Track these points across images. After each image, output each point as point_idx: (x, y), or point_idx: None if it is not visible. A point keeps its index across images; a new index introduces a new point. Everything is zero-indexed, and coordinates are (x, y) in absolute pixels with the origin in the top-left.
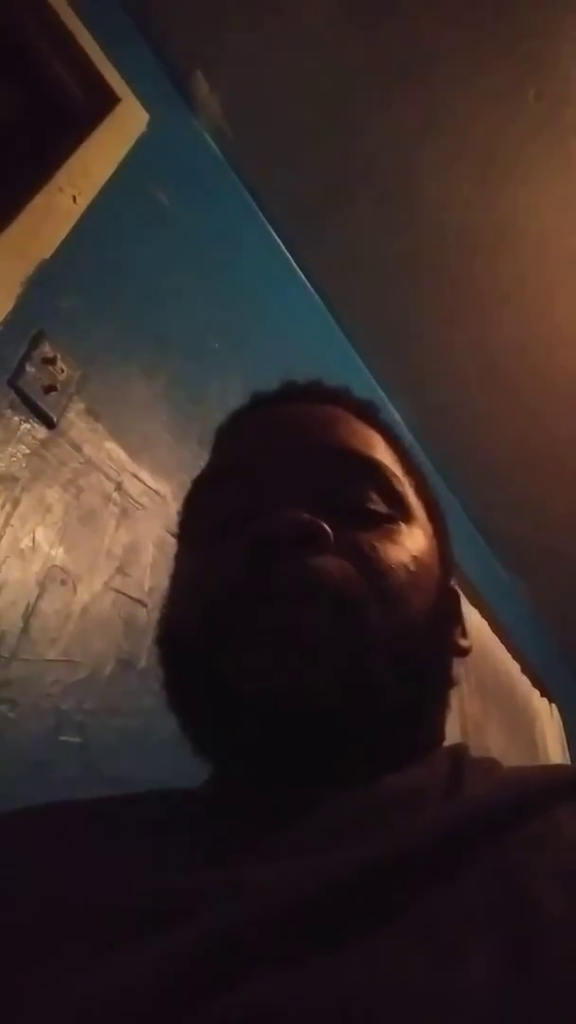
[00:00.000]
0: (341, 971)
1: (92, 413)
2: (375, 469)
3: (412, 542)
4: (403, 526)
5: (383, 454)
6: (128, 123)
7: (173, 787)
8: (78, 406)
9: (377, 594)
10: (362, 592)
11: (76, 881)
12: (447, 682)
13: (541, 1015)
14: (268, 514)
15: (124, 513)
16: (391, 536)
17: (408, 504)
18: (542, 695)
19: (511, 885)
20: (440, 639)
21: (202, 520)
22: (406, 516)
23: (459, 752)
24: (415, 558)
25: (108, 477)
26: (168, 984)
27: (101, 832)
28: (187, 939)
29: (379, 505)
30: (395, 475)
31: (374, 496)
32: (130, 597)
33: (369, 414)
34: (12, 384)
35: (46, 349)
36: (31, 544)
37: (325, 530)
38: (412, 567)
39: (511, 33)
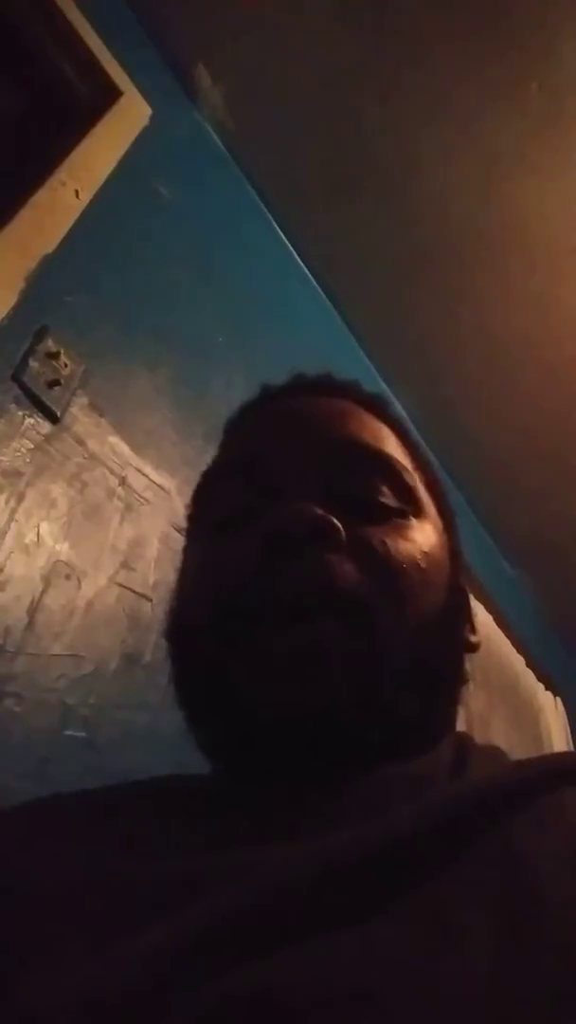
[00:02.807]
0: (342, 952)
1: (96, 408)
2: (385, 463)
3: (423, 536)
4: (414, 520)
5: (393, 448)
6: (130, 117)
7: (179, 774)
8: (82, 401)
9: (389, 593)
10: (374, 593)
11: (80, 870)
12: (458, 679)
13: (542, 995)
14: (279, 509)
15: (128, 508)
16: (402, 531)
17: (418, 498)
18: (547, 689)
19: (513, 866)
20: (452, 636)
21: (211, 514)
22: (416, 510)
23: (463, 740)
24: (426, 553)
25: (112, 472)
26: (170, 966)
27: (105, 821)
28: (189, 922)
29: (389, 499)
30: (405, 469)
31: (384, 490)
32: (135, 592)
33: (379, 408)
34: (16, 379)
35: (50, 344)
36: (36, 539)
37: (336, 526)
38: (423, 563)
39: (514, 25)
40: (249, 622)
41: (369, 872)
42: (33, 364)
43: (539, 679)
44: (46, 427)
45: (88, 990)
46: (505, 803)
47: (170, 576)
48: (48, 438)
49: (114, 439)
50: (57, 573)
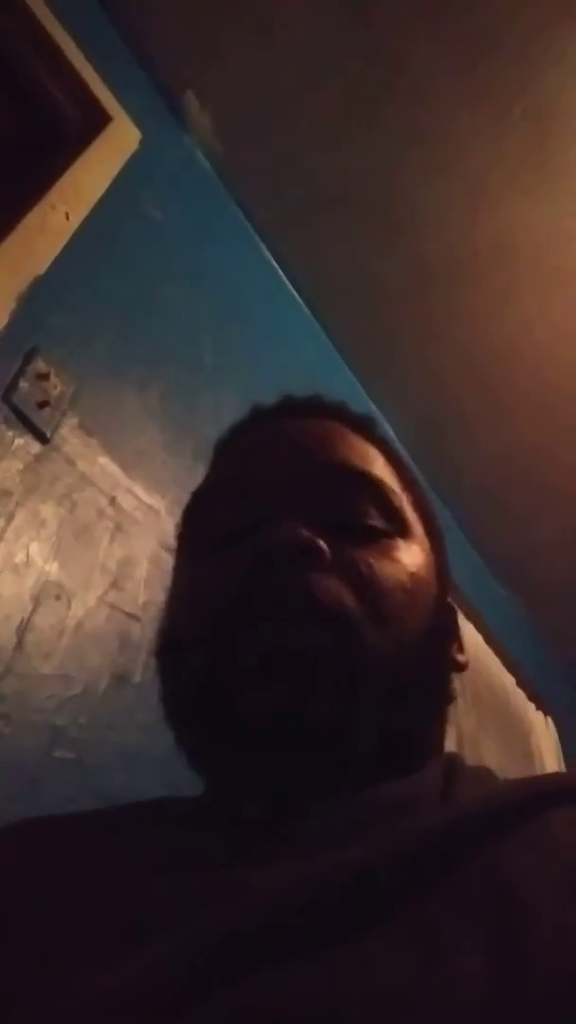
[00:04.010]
0: (334, 972)
1: (85, 428)
2: (373, 484)
3: (410, 558)
4: (401, 542)
5: (381, 469)
6: (120, 141)
7: (170, 796)
8: (71, 421)
9: (373, 613)
10: (357, 611)
11: (73, 890)
12: (445, 698)
13: (533, 1014)
14: (265, 530)
15: (118, 528)
16: (388, 552)
17: (406, 519)
18: (537, 708)
19: (503, 887)
20: (437, 655)
21: (200, 534)
22: (404, 531)
23: (453, 761)
24: (412, 574)
25: (102, 492)
26: (164, 986)
27: (97, 842)
28: (182, 943)
29: (377, 520)
30: (393, 490)
31: (372, 511)
32: (124, 612)
33: (367, 429)
34: (6, 399)
35: (39, 365)
36: (25, 559)
37: (321, 547)
38: (409, 584)
39: (498, 51)
40: (232, 632)
41: (360, 892)
42: (23, 385)
43: (530, 699)
44: (36, 447)
45: (87, 1008)
46: (495, 825)
47: (160, 596)
48: (38, 458)
49: (104, 459)
50: (47, 593)
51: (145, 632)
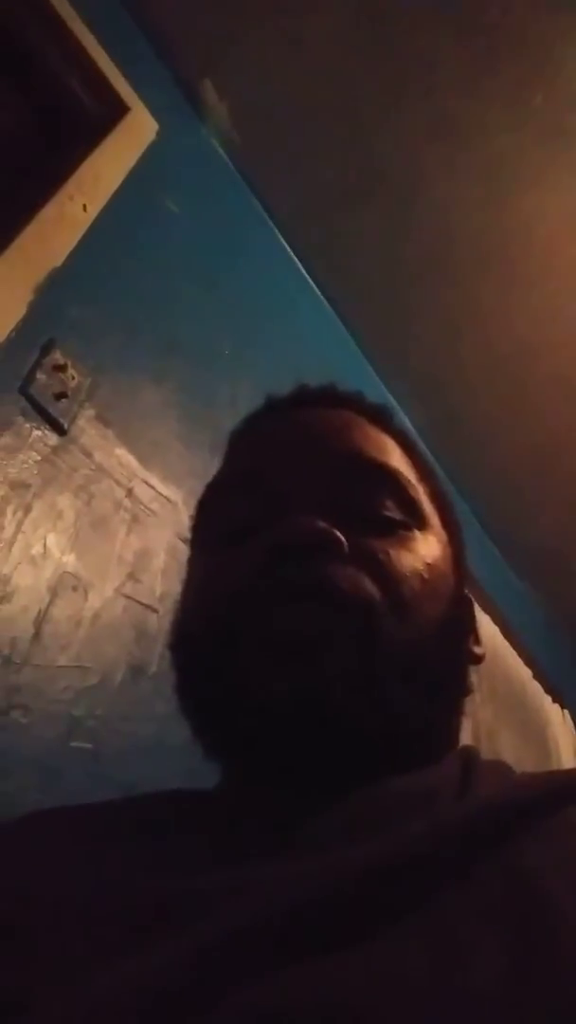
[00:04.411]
0: (348, 970)
1: (102, 420)
2: (389, 476)
3: (427, 549)
4: (417, 533)
5: (397, 460)
6: (138, 132)
7: (184, 788)
8: (88, 413)
9: (391, 602)
10: (375, 599)
11: (87, 882)
12: (461, 689)
13: (550, 1015)
14: (282, 521)
15: (135, 519)
16: (405, 543)
17: (422, 511)
18: (554, 701)
19: (521, 884)
20: (454, 647)
21: (215, 526)
22: (421, 523)
23: (469, 755)
24: (429, 565)
25: (119, 483)
26: (177, 982)
27: (112, 834)
28: (196, 938)
29: (394, 512)
30: (409, 482)
31: (388, 503)
32: (141, 603)
33: (383, 419)
34: (23, 391)
35: (57, 356)
36: (42, 550)
37: (339, 538)
38: (426, 575)
39: (517, 38)
40: (245, 622)
41: (376, 889)
42: (40, 376)
43: (547, 691)
44: (53, 439)
45: (99, 1002)
46: (513, 820)
47: (176, 587)
48: (55, 450)
49: (121, 451)
50: (64, 584)
51: (162, 623)
